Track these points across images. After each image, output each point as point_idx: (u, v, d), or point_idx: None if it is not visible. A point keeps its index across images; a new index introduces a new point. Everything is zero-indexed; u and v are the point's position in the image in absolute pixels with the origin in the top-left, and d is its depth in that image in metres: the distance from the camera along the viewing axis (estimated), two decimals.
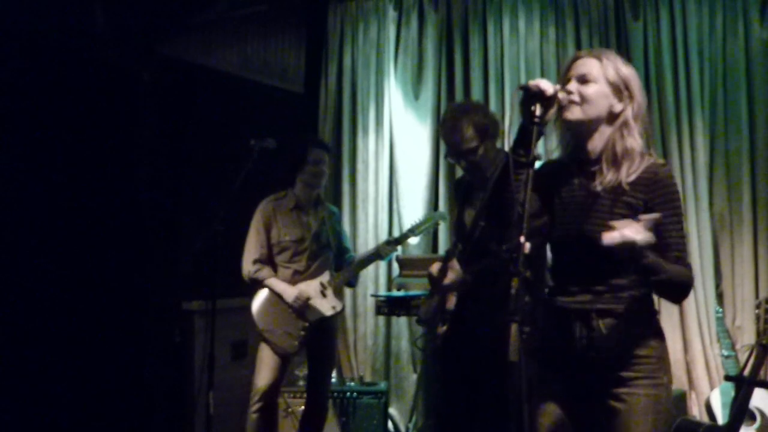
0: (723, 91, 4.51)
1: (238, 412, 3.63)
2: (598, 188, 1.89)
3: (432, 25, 4.89)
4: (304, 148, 3.55)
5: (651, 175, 1.87)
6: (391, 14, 4.95)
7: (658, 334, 1.91)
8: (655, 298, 1.95)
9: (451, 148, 2.68)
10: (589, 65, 1.89)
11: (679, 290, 1.87)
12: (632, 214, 1.81)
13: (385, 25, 4.95)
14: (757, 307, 3.30)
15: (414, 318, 4.10)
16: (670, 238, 1.83)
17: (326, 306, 3.53)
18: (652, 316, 1.94)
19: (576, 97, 1.87)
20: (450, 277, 2.58)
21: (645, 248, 1.69)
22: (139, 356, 3.79)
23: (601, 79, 1.87)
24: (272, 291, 3.52)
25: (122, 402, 3.65)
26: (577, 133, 1.93)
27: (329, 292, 3.54)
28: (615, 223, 1.71)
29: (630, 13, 4.63)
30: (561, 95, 1.83)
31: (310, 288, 3.52)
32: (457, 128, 2.60)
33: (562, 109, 1.86)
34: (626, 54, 4.61)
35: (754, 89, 4.47)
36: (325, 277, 3.56)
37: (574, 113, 1.87)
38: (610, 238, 1.68)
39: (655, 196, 1.85)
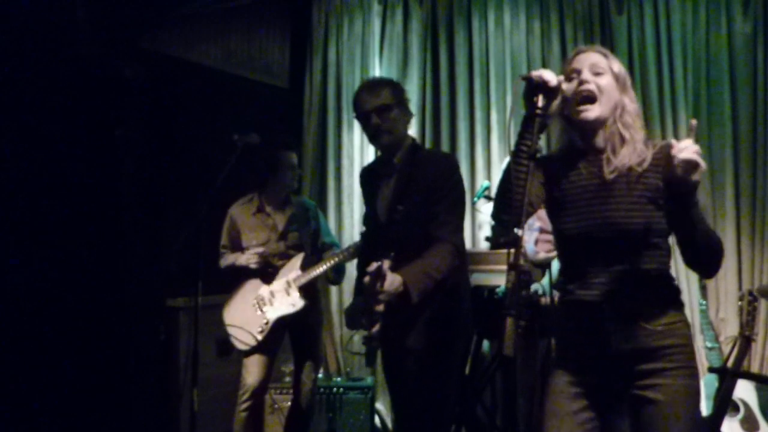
0: (706, 85, 4.55)
1: (223, 408, 3.62)
2: (611, 175, 1.87)
3: (417, 19, 4.87)
4: (276, 155, 3.58)
5: (666, 152, 1.78)
6: (376, 8, 4.93)
7: (686, 320, 1.88)
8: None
9: (365, 105, 2.61)
10: (596, 58, 1.90)
11: (716, 248, 1.81)
12: (652, 193, 1.83)
13: (370, 19, 4.93)
14: (740, 299, 3.32)
15: None
16: None
17: (286, 304, 3.52)
18: (678, 294, 1.90)
19: (593, 86, 1.86)
20: (388, 285, 2.31)
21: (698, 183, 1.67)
22: (123, 353, 3.76)
23: (609, 72, 1.89)
24: (236, 266, 3.56)
25: (107, 399, 3.63)
26: (587, 131, 1.92)
27: (293, 290, 3.54)
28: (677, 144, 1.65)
29: (614, 7, 4.65)
30: (565, 86, 1.81)
31: (276, 286, 3.54)
32: (376, 87, 2.63)
33: (577, 111, 1.85)
34: (610, 48, 4.63)
35: (737, 83, 4.51)
36: (292, 275, 3.56)
37: (594, 111, 1.87)
38: (685, 148, 1.62)
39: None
